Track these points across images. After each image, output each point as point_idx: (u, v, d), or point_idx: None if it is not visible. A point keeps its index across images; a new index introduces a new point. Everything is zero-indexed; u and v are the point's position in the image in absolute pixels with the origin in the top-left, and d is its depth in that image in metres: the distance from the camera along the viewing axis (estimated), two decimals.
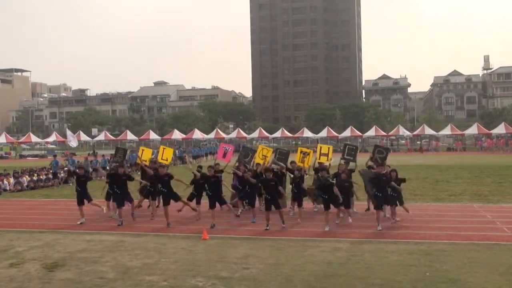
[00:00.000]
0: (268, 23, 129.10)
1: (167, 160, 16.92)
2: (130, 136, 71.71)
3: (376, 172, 12.91)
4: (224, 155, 16.62)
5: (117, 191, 13.74)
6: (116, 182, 13.83)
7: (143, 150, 17.71)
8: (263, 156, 16.10)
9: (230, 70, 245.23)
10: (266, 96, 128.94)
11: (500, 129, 62.58)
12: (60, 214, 16.04)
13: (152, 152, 18.96)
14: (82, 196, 14.10)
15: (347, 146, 15.99)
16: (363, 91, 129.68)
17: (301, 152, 16.12)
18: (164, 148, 17.39)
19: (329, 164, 15.13)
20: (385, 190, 12.50)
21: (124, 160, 19.32)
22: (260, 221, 13.65)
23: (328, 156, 15.58)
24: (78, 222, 13.92)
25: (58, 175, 26.00)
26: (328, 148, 15.97)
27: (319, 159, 15.52)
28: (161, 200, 14.32)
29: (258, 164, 15.64)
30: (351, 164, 15.13)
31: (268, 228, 12.47)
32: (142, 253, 10.36)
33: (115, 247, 10.99)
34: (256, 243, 11.09)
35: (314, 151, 16.32)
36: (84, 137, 71.76)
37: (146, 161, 16.87)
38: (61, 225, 13.90)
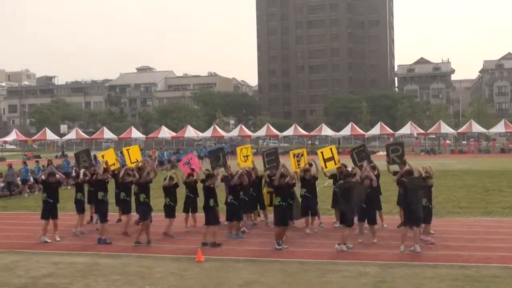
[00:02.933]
0: None
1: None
2: (107, 134, 71.59)
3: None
4: (192, 168, 16.30)
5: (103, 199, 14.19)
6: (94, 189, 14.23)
7: (103, 155, 17.71)
8: (244, 157, 16.54)
9: (231, 53, 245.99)
10: (275, 85, 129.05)
11: None
12: (22, 231, 16.09)
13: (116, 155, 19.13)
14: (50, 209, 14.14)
15: (390, 148, 15.70)
16: (396, 78, 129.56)
17: (293, 155, 16.31)
18: (127, 149, 17.53)
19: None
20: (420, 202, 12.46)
21: (91, 162, 19.45)
22: (262, 238, 13.64)
23: (334, 159, 15.54)
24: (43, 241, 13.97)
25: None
26: (330, 149, 16.01)
27: (326, 167, 15.49)
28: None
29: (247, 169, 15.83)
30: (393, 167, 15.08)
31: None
32: (121, 278, 10.39)
33: (88, 271, 11.02)
34: (262, 267, 11.10)
35: (313, 153, 16.34)
36: (50, 135, 71.75)
37: (114, 164, 17.05)
38: (23, 244, 13.93)
